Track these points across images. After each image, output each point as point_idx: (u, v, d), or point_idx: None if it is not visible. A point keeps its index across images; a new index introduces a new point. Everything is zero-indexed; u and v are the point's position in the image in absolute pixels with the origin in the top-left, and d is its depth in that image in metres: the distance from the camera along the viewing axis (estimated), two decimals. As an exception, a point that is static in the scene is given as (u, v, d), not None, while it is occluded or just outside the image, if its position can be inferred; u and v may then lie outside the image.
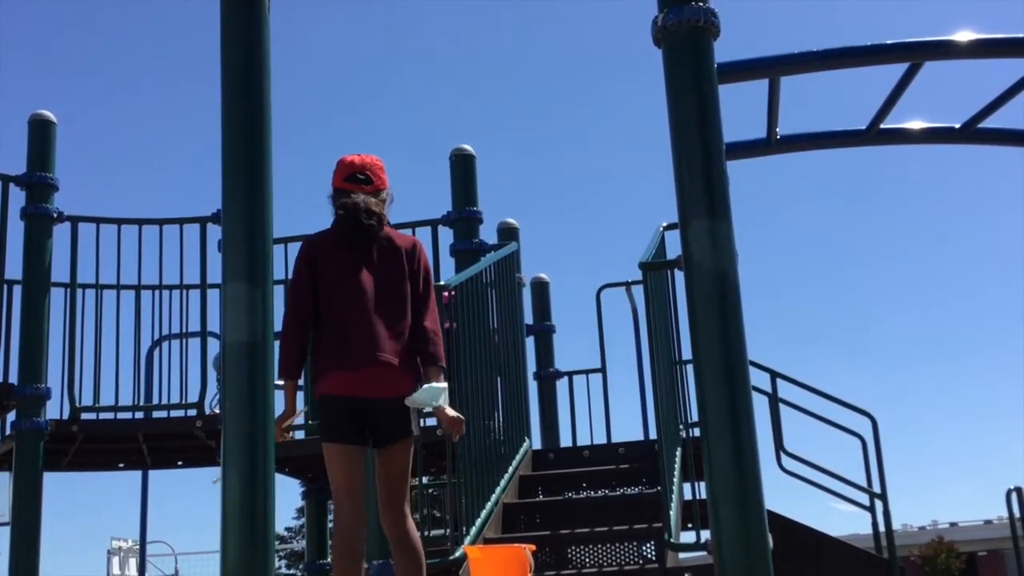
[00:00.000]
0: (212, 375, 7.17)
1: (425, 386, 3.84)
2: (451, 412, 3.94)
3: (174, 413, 7.24)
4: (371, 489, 3.97)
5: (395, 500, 3.89)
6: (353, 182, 4.03)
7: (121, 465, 7.90)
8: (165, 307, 7.35)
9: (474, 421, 5.11)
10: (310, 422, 6.81)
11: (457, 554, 4.71)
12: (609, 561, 5.31)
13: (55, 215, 6.70)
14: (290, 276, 7.28)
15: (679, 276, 4.33)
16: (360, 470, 3.86)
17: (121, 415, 7.14)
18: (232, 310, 3.06)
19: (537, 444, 7.59)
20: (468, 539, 4.84)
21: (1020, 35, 3.28)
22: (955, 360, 58.70)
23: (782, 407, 7.26)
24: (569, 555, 5.39)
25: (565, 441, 8.46)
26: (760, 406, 7.10)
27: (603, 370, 8.42)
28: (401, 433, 3.88)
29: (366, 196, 3.99)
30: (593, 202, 64.93)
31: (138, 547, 11.89)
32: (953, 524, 38.17)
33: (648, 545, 5.29)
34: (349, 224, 3.96)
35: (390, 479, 3.90)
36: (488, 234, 7.28)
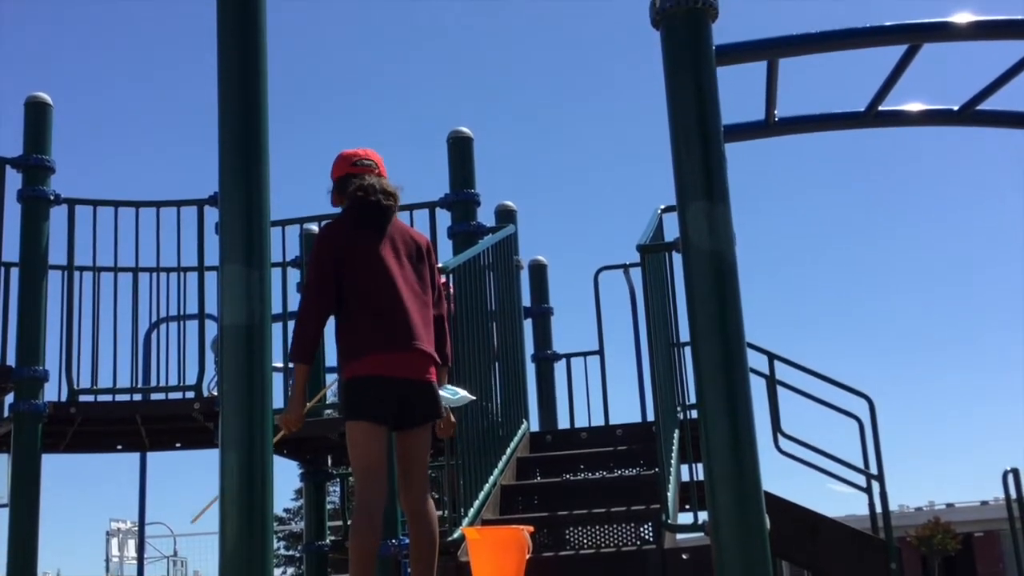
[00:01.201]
0: (210, 357, 7.18)
1: (463, 394, 4.18)
2: (452, 417, 4.18)
3: (172, 395, 7.25)
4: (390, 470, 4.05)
5: (419, 479, 3.98)
6: (360, 167, 4.10)
7: (119, 447, 7.91)
8: (163, 290, 7.36)
9: (472, 403, 5.12)
10: (307, 404, 6.82)
11: (455, 535, 4.73)
12: (607, 542, 5.32)
13: (52, 197, 6.69)
14: (288, 259, 7.36)
15: (677, 258, 4.33)
16: (386, 449, 3.93)
17: (119, 397, 7.15)
18: (229, 292, 3.06)
19: (535, 426, 7.60)
20: (466, 520, 4.86)
21: (1020, 17, 3.26)
22: (953, 342, 58.83)
23: (780, 389, 7.28)
24: (567, 536, 5.40)
25: (563, 423, 8.48)
26: (758, 388, 7.13)
27: (601, 352, 8.43)
28: (431, 415, 4.01)
29: (378, 178, 4.07)
30: (591, 184, 64.91)
31: (137, 528, 11.92)
32: (950, 505, 38.31)
33: (646, 526, 5.30)
34: (368, 204, 4.02)
35: (415, 459, 3.99)
36: (486, 216, 7.27)
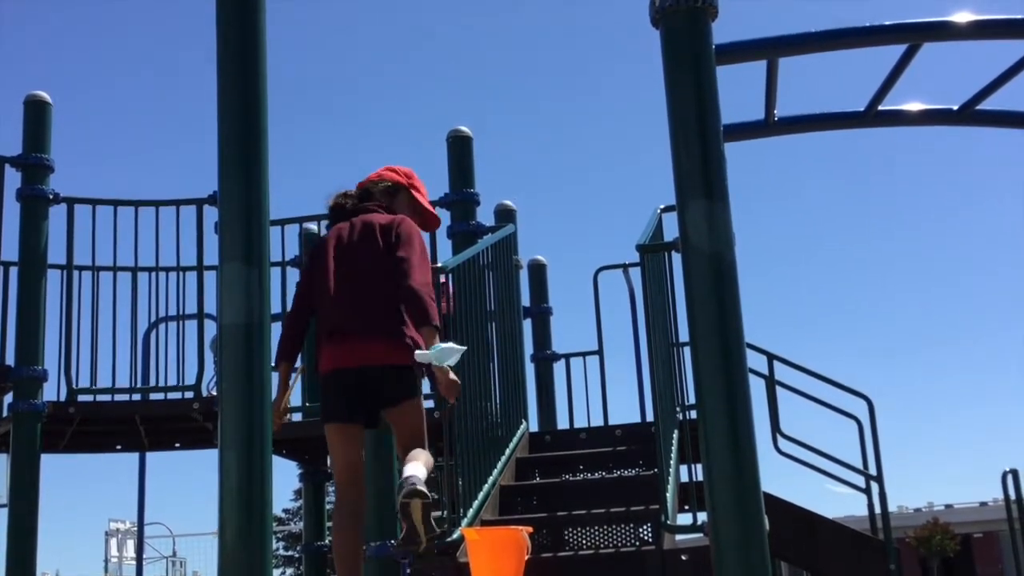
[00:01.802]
0: (209, 357, 7.17)
1: (445, 346, 3.71)
2: (452, 375, 3.80)
3: (171, 395, 7.24)
4: (368, 468, 4.02)
5: (403, 445, 3.96)
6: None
7: (119, 447, 7.91)
8: (162, 289, 7.35)
9: (471, 403, 5.11)
10: (307, 404, 6.81)
11: (454, 536, 4.72)
12: (606, 543, 5.32)
13: (51, 196, 6.68)
14: (288, 258, 7.37)
15: (676, 258, 4.32)
16: (355, 448, 3.92)
17: (118, 397, 7.14)
18: (229, 291, 3.06)
19: (534, 426, 7.59)
20: (465, 521, 4.85)
21: (1019, 16, 3.26)
22: (952, 342, 58.83)
23: (779, 389, 7.27)
24: (566, 537, 5.39)
25: (562, 423, 8.47)
26: (757, 388, 7.12)
27: (600, 352, 8.41)
28: (395, 397, 3.93)
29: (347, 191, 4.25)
30: (590, 184, 64.96)
31: (136, 528, 11.92)
32: (948, 506, 38.29)
33: (645, 527, 5.29)
34: (330, 217, 4.26)
35: (401, 438, 3.97)
36: (485, 216, 7.26)
